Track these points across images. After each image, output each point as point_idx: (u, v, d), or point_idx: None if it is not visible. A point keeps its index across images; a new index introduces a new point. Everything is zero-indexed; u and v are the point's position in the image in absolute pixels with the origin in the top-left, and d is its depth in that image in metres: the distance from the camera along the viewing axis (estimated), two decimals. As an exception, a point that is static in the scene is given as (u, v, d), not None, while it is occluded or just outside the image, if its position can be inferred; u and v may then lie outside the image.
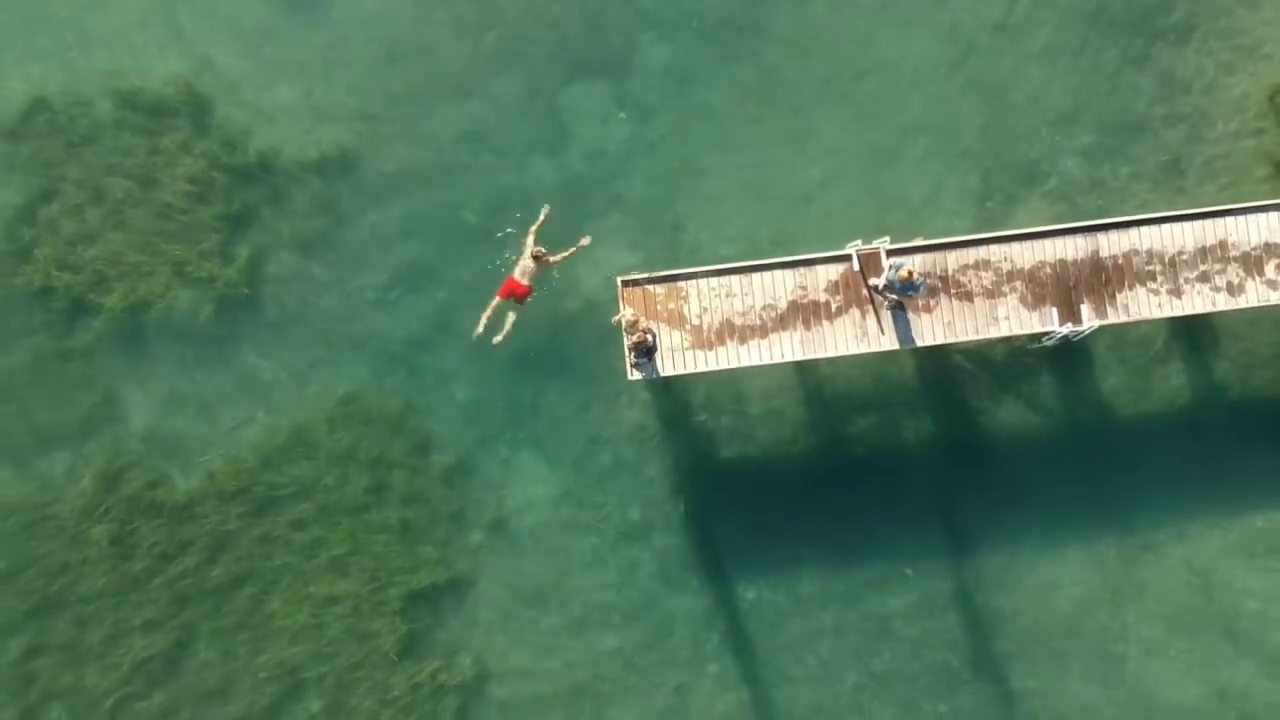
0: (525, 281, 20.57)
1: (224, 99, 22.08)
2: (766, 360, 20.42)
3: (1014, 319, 20.39)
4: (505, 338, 20.83)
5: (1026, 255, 20.48)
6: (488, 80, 22.12)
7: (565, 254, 20.63)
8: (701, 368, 20.43)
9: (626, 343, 20.07)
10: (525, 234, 20.74)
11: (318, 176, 21.94)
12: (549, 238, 20.77)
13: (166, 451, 21.46)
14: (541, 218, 20.75)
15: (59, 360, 21.55)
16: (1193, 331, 21.54)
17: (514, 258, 20.96)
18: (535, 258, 20.34)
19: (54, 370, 21.53)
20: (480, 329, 20.85)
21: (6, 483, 21.33)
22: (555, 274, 21.24)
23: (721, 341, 20.41)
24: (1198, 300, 20.45)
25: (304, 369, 21.64)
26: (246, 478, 21.34)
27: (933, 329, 20.38)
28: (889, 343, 20.36)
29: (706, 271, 20.58)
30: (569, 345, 21.55)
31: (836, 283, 20.43)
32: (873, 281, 20.23)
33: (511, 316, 20.82)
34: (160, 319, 21.61)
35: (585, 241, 20.70)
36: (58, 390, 21.50)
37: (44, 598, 21.17)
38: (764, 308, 20.44)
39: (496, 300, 20.75)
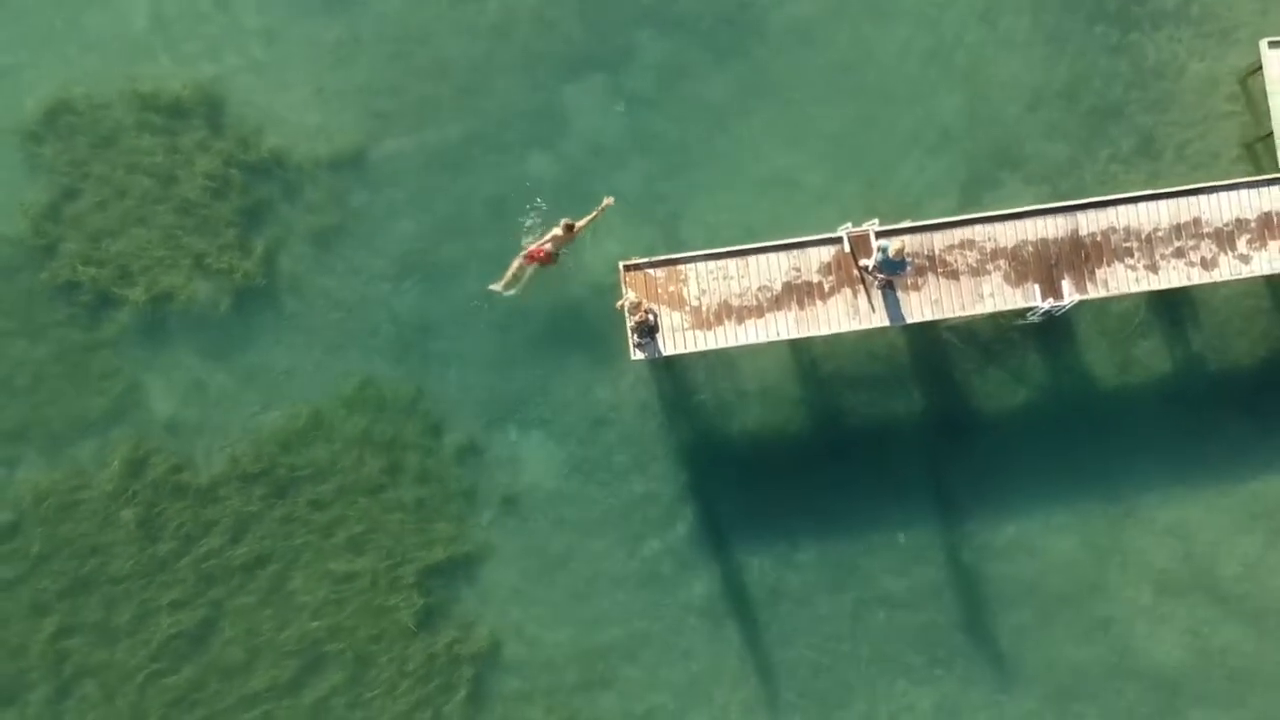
0: (551, 248, 21.05)
1: (238, 99, 22.31)
2: (762, 339, 20.76)
3: (998, 296, 20.75)
4: (524, 289, 21.37)
5: (1009, 235, 20.82)
6: (491, 76, 22.42)
7: (590, 218, 20.90)
8: (701, 347, 20.75)
9: (629, 324, 20.46)
10: (558, 222, 21.02)
11: (329, 171, 22.20)
12: (566, 212, 21.33)
13: (190, 437, 21.72)
14: (602, 206, 21.00)
15: (85, 351, 21.83)
16: (1170, 306, 21.87)
17: (532, 240, 21.40)
18: (566, 227, 20.66)
19: (81, 361, 21.81)
20: (499, 286, 21.32)
21: (38, 469, 21.61)
22: (587, 238, 21.49)
23: (720, 321, 20.77)
24: (1173, 275, 20.82)
25: (320, 356, 21.92)
26: (267, 461, 21.63)
27: (921, 307, 20.74)
28: (879, 320, 20.71)
29: (704, 255, 20.88)
30: (574, 328, 21.89)
31: (828, 264, 20.79)
32: (863, 262, 20.56)
33: (531, 276, 21.34)
34: (182, 310, 21.90)
35: (609, 201, 20.84)
36: (85, 380, 21.77)
37: (75, 579, 21.43)
38: (759, 289, 20.80)
39: (521, 262, 21.18)
